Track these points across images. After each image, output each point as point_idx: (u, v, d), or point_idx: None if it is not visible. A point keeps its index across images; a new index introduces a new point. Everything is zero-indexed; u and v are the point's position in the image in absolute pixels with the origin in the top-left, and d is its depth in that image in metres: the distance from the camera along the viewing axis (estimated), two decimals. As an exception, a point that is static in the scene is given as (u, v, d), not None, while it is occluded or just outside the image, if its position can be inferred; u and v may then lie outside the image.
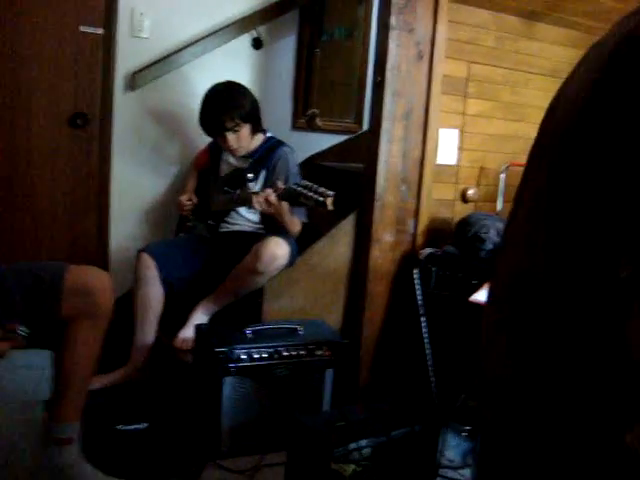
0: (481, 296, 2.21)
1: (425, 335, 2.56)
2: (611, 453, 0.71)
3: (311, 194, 2.20)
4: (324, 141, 3.73)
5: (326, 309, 2.69)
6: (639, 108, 0.62)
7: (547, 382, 0.76)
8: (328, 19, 4.00)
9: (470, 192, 2.73)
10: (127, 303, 2.69)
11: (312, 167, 3.53)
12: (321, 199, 2.15)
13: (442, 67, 2.61)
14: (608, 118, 0.66)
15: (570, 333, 0.72)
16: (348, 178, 3.02)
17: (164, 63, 3.10)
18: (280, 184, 2.47)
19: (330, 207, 2.15)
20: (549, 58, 2.90)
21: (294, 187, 2.33)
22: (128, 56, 3.05)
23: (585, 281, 0.70)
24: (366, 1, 3.88)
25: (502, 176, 2.82)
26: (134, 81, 3.06)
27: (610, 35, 0.82)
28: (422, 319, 2.58)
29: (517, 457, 0.82)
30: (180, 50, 3.12)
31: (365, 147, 2.68)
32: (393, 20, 2.53)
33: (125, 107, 3.11)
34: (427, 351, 2.56)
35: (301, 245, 2.69)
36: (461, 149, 2.71)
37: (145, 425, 2.35)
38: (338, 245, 2.70)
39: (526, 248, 0.78)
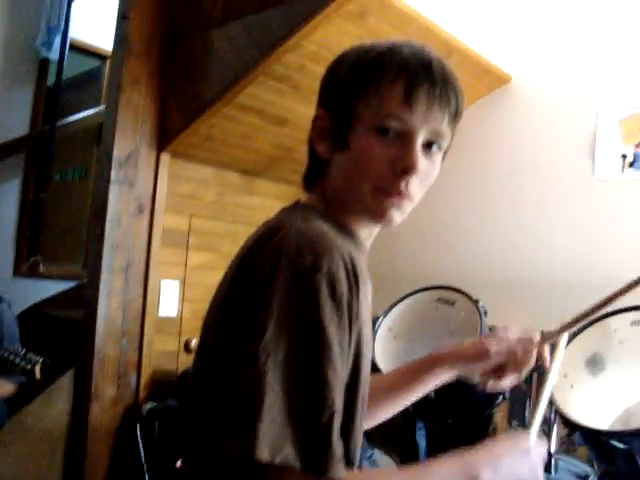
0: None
1: (149, 495, 2.45)
2: None
3: (18, 361, 2.07)
4: (51, 288, 3.56)
5: (40, 476, 2.47)
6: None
7: None
8: (60, 160, 3.94)
9: (193, 343, 2.75)
10: None
11: (36, 316, 3.33)
12: (29, 367, 2.03)
13: (163, 220, 2.67)
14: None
15: None
16: (71, 328, 2.89)
17: None
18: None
19: (38, 376, 2.03)
20: (267, 211, 3.09)
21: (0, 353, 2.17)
22: None
23: None
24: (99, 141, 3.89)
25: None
26: None
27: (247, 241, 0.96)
28: (146, 477, 2.47)
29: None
30: None
31: (84, 298, 2.61)
32: (113, 174, 2.56)
33: None
34: (151, 512, 2.44)
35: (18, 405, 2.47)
36: (183, 300, 2.75)
37: None
38: (55, 403, 2.52)
39: None
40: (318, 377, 0.86)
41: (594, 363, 1.87)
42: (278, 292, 0.86)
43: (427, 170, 0.98)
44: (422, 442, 2.42)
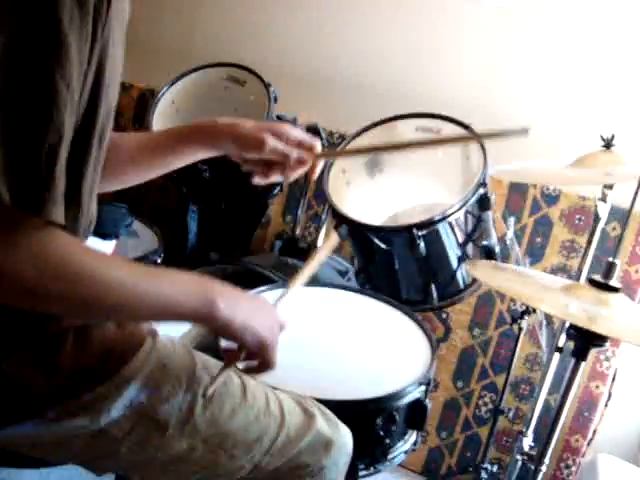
0: None
1: None
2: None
3: None
4: None
5: None
6: None
7: None
8: None
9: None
10: None
11: None
12: None
13: None
14: None
15: None
16: None
17: None
18: None
19: None
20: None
21: None
22: None
23: None
24: None
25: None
26: None
27: None
28: None
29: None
30: None
31: None
32: None
33: None
34: None
35: None
36: None
37: None
38: None
39: None
40: (46, 86, 0.67)
41: (373, 164, 1.85)
42: None
43: None
44: (193, 225, 2.35)
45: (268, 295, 1.47)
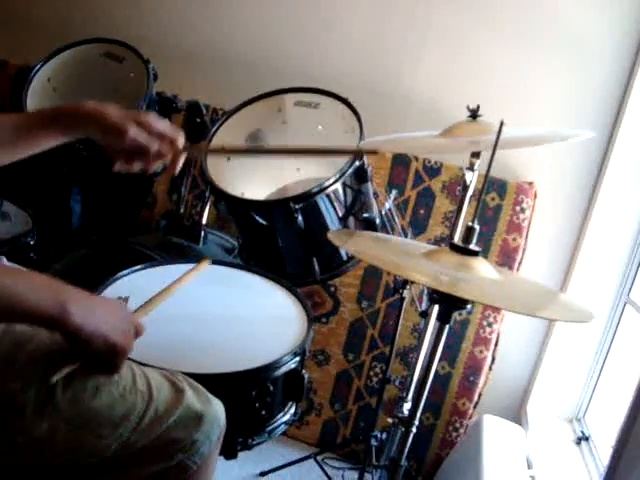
0: None
1: None
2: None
3: None
4: None
5: None
6: None
7: None
8: None
9: None
10: None
11: None
12: None
13: None
14: None
15: None
16: None
17: None
18: None
19: None
20: None
21: None
22: None
23: None
24: None
25: None
26: None
27: None
28: None
29: None
30: None
31: None
32: None
33: None
34: None
35: None
36: None
37: None
38: None
39: None
40: None
41: (255, 139, 1.84)
42: None
43: None
44: (76, 207, 2.27)
45: (142, 274, 1.46)
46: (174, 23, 2.46)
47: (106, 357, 0.95)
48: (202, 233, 1.97)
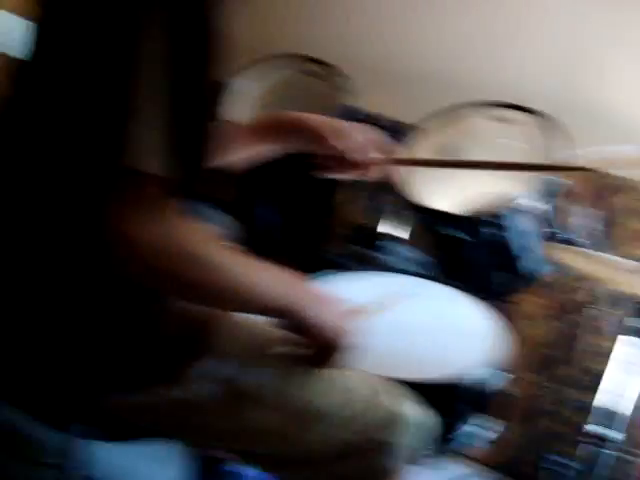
0: None
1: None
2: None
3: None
4: None
5: None
6: None
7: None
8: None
9: None
10: None
11: None
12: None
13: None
14: None
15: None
16: None
17: None
18: None
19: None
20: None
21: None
22: None
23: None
24: None
25: None
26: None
27: None
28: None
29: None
30: None
31: None
32: None
33: None
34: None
35: None
36: None
37: None
38: None
39: None
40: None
41: (446, 152, 1.83)
42: None
43: None
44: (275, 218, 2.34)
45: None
46: (364, 39, 2.49)
47: (330, 351, 0.98)
48: (390, 245, 1.99)
